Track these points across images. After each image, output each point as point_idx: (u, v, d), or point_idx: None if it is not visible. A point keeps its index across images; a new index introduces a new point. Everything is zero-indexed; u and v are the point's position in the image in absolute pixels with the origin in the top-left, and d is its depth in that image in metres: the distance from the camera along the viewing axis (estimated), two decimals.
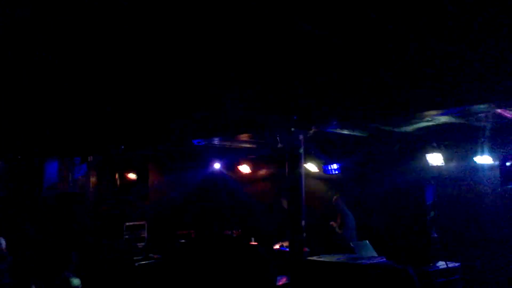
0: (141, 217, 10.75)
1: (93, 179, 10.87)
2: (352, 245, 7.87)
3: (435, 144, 8.30)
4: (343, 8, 4.09)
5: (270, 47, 5.02)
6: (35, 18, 4.21)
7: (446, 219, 7.75)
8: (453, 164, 8.51)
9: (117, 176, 11.39)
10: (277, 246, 9.65)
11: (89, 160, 10.44)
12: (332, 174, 10.06)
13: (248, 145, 9.60)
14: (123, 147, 9.32)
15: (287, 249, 7.89)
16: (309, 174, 9.59)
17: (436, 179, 7.71)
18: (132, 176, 11.77)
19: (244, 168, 11.71)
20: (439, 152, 8.29)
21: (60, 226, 9.23)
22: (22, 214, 9.10)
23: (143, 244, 10.23)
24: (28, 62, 5.49)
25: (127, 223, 10.20)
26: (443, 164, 8.35)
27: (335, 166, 9.91)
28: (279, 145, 7.19)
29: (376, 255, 7.28)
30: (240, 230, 11.08)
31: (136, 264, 9.07)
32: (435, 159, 8.34)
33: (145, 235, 10.40)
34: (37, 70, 5.75)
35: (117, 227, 10.05)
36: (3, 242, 5.80)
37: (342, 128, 7.66)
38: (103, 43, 4.92)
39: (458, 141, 8.19)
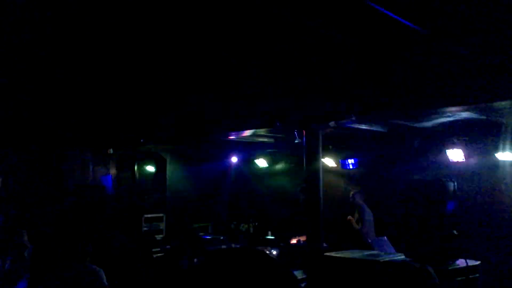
0: (160, 209, 10.84)
1: (112, 171, 11.00)
2: (370, 241, 7.80)
3: (455, 140, 8.18)
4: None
5: (285, 41, 4.99)
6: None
7: (466, 216, 7.63)
8: (474, 160, 8.37)
9: (136, 168, 11.50)
10: (294, 241, 9.64)
11: (109, 152, 10.55)
12: (350, 169, 10.00)
13: (265, 140, 9.58)
14: (142, 140, 9.40)
15: (305, 244, 7.87)
16: (326, 168, 9.54)
17: (457, 176, 7.59)
18: (151, 168, 11.88)
19: (261, 162, 11.71)
20: (460, 148, 8.17)
21: (80, 218, 9.35)
22: (43, 206, 9.24)
23: (161, 236, 10.30)
24: (49, 55, 5.54)
25: (146, 215, 10.28)
26: (464, 160, 8.23)
27: (352, 161, 9.85)
28: (297, 141, 7.16)
29: (394, 252, 7.20)
30: (256, 224, 11.10)
31: (154, 257, 9.15)
32: (455, 155, 8.22)
33: (164, 227, 10.48)
34: (57, 63, 5.80)
35: (135, 219, 10.14)
36: (25, 235, 5.89)
37: (360, 123, 7.59)
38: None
39: (479, 137, 8.06)
